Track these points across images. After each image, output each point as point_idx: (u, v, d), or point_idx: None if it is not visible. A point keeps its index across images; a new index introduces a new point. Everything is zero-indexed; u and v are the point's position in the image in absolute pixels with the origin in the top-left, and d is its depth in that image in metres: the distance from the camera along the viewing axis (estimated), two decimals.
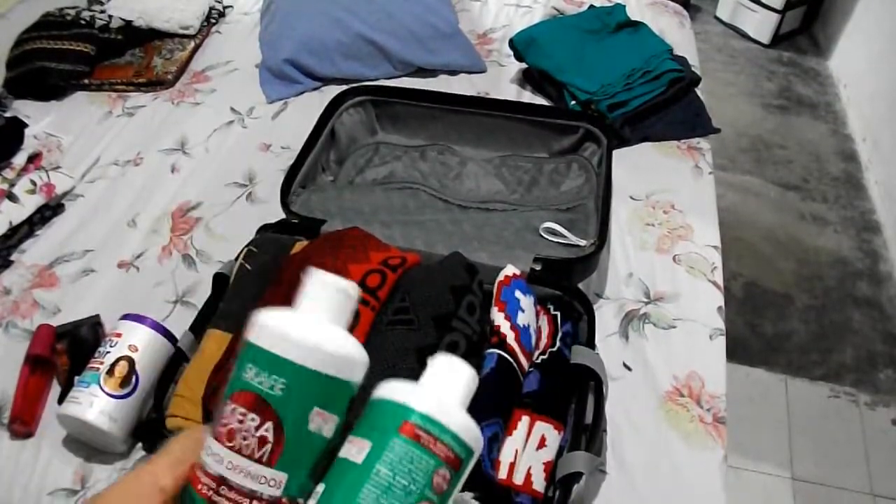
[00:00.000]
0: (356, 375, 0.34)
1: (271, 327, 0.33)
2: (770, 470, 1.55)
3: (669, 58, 1.30)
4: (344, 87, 1.18)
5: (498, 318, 0.76)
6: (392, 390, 0.34)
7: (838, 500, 1.51)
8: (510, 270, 0.81)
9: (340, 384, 0.32)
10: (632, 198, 1.14)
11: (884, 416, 1.65)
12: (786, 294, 1.90)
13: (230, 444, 0.31)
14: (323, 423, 0.32)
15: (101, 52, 1.47)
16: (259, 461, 0.30)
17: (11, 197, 1.11)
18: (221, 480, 0.31)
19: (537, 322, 0.82)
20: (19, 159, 1.16)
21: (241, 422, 0.31)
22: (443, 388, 0.34)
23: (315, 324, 0.34)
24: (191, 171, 1.24)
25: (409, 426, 0.31)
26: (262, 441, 0.30)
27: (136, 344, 0.83)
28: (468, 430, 0.33)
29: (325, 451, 0.32)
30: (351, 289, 0.36)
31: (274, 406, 0.31)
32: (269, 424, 0.31)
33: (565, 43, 1.35)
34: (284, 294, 0.77)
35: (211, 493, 0.31)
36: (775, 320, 1.84)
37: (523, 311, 0.78)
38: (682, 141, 1.25)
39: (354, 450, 0.32)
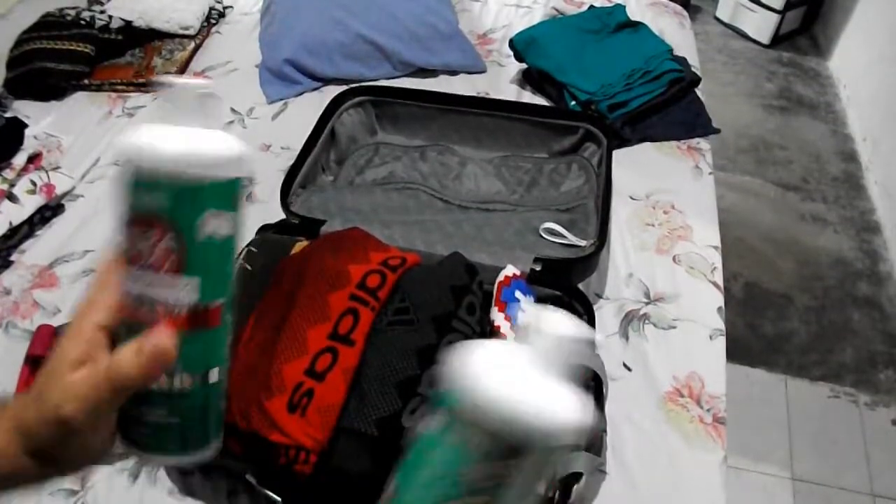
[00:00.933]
0: (235, 170, 0.35)
1: (145, 145, 0.33)
2: (770, 470, 1.55)
3: (669, 58, 1.30)
4: (344, 88, 1.18)
5: (498, 318, 0.76)
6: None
7: (838, 500, 1.51)
8: (510, 271, 0.81)
9: (223, 183, 0.34)
10: (632, 198, 1.14)
11: (884, 417, 1.65)
12: (786, 294, 1.90)
13: (140, 264, 0.33)
14: (217, 224, 0.34)
15: (101, 52, 1.47)
16: (170, 271, 0.32)
17: (11, 197, 1.11)
18: (142, 299, 0.33)
19: None
20: (19, 160, 1.16)
21: (143, 241, 0.32)
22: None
23: (184, 132, 0.33)
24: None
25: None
26: (167, 252, 0.32)
27: None
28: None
29: (226, 251, 0.35)
30: (211, 88, 0.35)
31: (168, 218, 0.32)
32: (169, 236, 0.32)
33: (565, 43, 1.35)
34: (285, 294, 0.77)
35: (140, 314, 0.33)
36: (775, 321, 1.84)
37: (523, 311, 0.78)
38: (682, 141, 1.25)
39: None
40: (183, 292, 0.33)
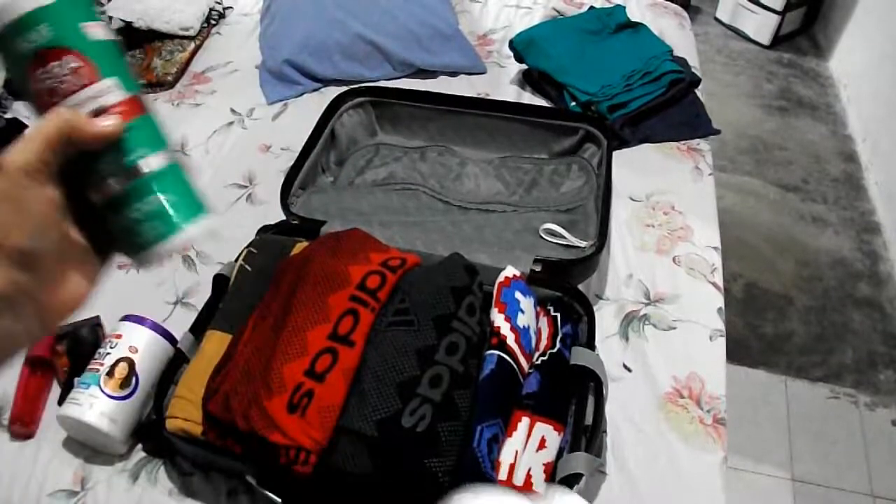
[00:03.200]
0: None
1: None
2: (770, 470, 1.55)
3: (669, 59, 1.30)
4: (344, 89, 1.18)
5: (498, 319, 0.76)
6: None
7: (838, 501, 1.51)
8: (510, 272, 0.82)
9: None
10: (632, 199, 1.14)
11: (884, 417, 1.65)
12: (786, 295, 1.90)
13: (62, 94, 0.36)
14: (96, 30, 0.37)
15: None
16: (90, 82, 0.36)
17: None
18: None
19: (537, 323, 0.82)
20: None
21: (54, 73, 0.36)
22: None
23: None
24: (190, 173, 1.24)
25: None
26: (75, 71, 0.36)
27: (136, 345, 0.83)
28: None
29: (118, 51, 0.38)
30: None
31: (59, 43, 0.36)
32: (68, 57, 0.36)
33: (565, 44, 1.35)
34: (285, 295, 0.77)
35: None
36: (775, 321, 1.84)
37: (523, 312, 0.78)
38: (682, 142, 1.25)
39: None
40: (113, 90, 0.37)
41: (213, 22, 1.64)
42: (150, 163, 0.38)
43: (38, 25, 0.35)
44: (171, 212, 0.38)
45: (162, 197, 0.38)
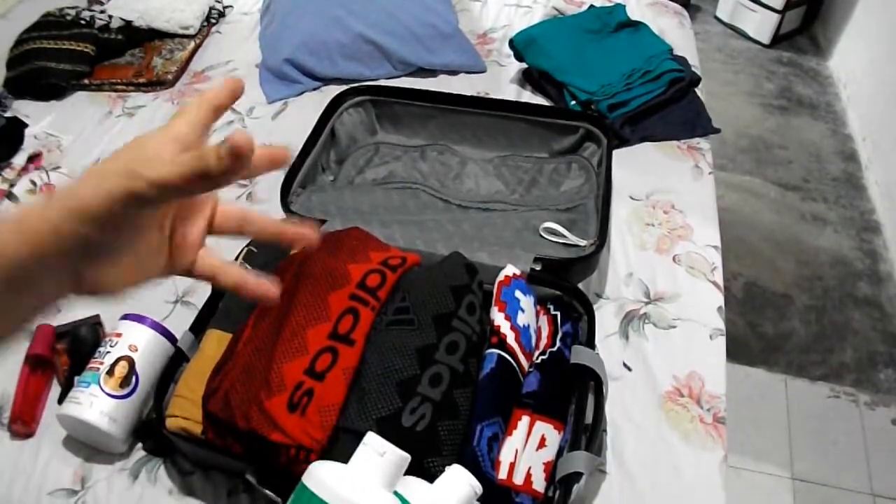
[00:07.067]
0: None
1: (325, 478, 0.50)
2: (770, 470, 1.55)
3: (669, 58, 1.30)
4: (344, 87, 1.18)
5: (498, 318, 0.76)
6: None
7: (838, 500, 1.51)
8: (510, 270, 0.82)
9: None
10: (632, 198, 1.14)
11: (884, 416, 1.65)
12: (786, 294, 1.90)
13: None
14: None
15: (102, 52, 1.47)
16: None
17: (11, 197, 1.11)
18: None
19: (537, 322, 0.82)
20: (19, 159, 1.16)
21: None
22: None
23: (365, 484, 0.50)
24: None
25: None
26: None
27: (136, 344, 0.83)
28: None
29: None
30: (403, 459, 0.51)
31: None
32: None
33: (565, 43, 1.35)
34: (285, 294, 0.77)
35: None
36: (775, 320, 1.84)
37: (523, 311, 0.78)
38: (682, 141, 1.25)
39: None
40: None
41: (213, 21, 1.64)
42: None
43: None
44: None
45: None
